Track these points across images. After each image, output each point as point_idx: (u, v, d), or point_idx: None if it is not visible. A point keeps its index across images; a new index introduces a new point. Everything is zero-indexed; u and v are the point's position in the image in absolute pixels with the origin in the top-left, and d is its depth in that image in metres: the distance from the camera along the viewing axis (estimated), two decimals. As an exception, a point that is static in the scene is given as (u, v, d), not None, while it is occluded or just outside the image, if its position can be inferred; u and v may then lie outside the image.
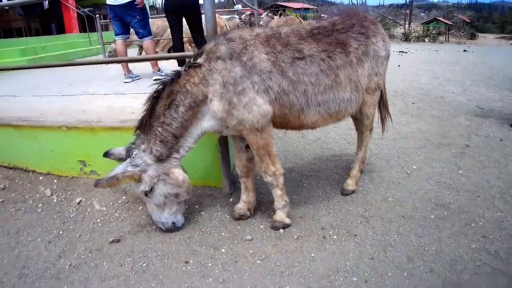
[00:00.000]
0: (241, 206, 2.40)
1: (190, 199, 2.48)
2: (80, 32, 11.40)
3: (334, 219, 2.39)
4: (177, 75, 2.00)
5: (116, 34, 4.56)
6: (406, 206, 2.54)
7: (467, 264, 1.96)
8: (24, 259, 2.12)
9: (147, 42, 4.47)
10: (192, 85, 1.94)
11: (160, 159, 2.02)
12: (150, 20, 4.84)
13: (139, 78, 4.69)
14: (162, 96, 1.99)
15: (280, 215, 2.28)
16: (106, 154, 2.20)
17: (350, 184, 2.69)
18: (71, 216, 2.54)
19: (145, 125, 2.01)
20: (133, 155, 2.04)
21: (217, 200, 2.65)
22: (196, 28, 4.33)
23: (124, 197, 2.72)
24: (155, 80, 4.36)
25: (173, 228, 2.26)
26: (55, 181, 2.95)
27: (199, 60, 2.00)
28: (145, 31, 4.47)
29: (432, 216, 2.42)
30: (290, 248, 2.11)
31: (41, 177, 2.99)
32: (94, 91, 4.11)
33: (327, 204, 2.57)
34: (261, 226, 2.34)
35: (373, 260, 2.00)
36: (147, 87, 3.98)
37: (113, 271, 2.00)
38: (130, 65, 4.85)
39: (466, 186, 2.80)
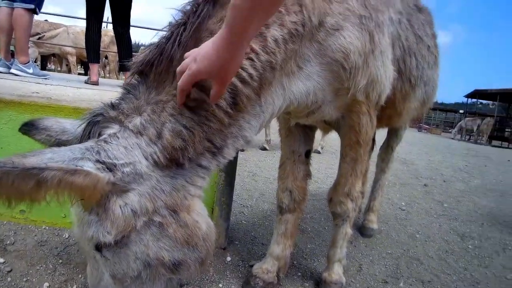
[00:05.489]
0: (268, 267, 1.39)
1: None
2: None
3: (385, 268, 1.71)
4: None
5: None
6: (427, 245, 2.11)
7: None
8: None
9: (18, 11, 2.55)
10: None
11: (176, 164, 0.79)
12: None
13: (47, 78, 2.67)
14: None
15: (338, 271, 1.43)
16: (29, 127, 0.87)
17: (374, 221, 2.10)
18: None
19: (159, 63, 0.79)
20: (105, 134, 0.77)
21: (210, 263, 1.55)
22: (123, 15, 2.94)
23: (50, 265, 1.28)
24: (15, 74, 2.56)
25: None
26: None
27: None
28: None
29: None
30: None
31: None
32: None
33: (359, 250, 1.89)
34: (304, 299, 1.42)
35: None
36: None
37: None
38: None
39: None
